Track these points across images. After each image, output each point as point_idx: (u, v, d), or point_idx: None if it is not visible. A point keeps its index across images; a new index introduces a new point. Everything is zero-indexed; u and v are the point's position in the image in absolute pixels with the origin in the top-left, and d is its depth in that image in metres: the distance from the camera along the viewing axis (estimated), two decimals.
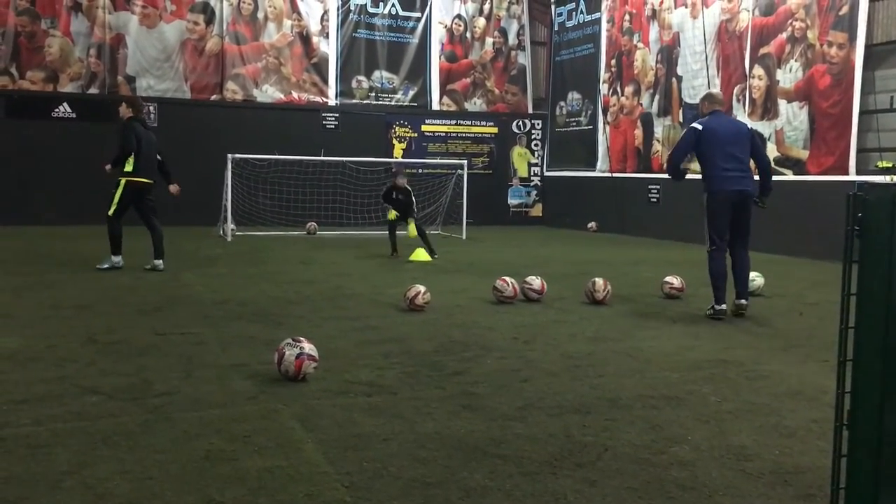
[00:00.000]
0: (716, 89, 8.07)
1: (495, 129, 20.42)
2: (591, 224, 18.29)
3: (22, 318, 6.61)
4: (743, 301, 7.36)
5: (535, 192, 20.89)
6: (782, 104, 13.82)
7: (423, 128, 19.73)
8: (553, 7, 20.56)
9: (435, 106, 19.91)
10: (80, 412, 4.11)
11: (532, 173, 20.88)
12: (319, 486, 3.23)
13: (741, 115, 14.61)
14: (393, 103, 19.55)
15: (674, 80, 16.41)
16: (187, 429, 3.87)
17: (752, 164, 7.45)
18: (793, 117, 13.63)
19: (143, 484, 3.20)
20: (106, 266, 9.88)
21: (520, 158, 20.78)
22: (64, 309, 7.09)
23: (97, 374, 4.88)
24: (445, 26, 19.98)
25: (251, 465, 3.42)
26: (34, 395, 4.38)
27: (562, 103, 20.28)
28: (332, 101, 18.92)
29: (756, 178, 7.51)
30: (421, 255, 11.76)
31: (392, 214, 12.34)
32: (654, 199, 16.79)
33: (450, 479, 3.32)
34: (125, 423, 3.96)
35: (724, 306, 7.24)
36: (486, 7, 20.35)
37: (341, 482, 3.26)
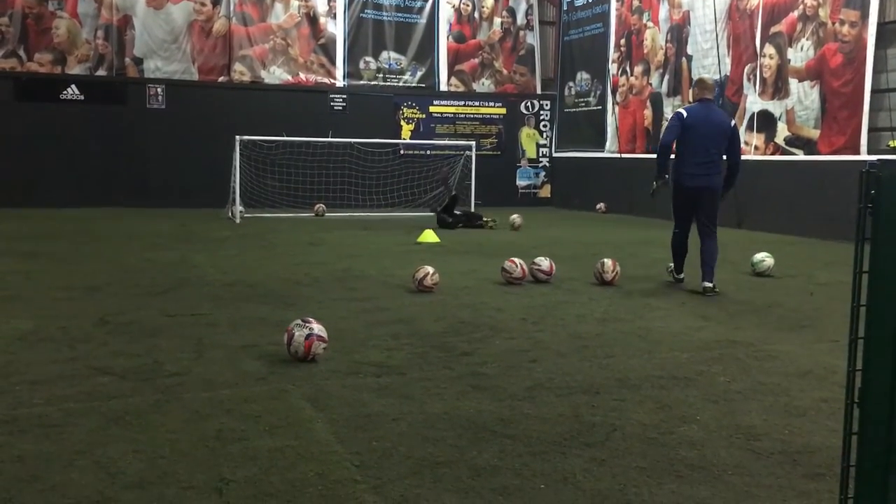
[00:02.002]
0: (708, 75, 8.24)
1: (503, 110, 20.33)
2: (600, 205, 18.24)
3: (33, 300, 6.65)
4: (707, 283, 7.47)
5: (543, 174, 20.82)
6: (793, 83, 13.70)
7: (431, 109, 19.66)
8: None
9: (443, 87, 19.82)
10: (92, 392, 4.14)
11: (540, 154, 20.80)
12: (329, 465, 3.25)
13: (752, 94, 14.52)
14: (401, 84, 19.47)
15: (684, 59, 16.28)
16: (198, 409, 3.90)
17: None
18: (804, 96, 13.52)
19: (155, 463, 3.23)
20: None
21: (528, 139, 20.70)
22: (75, 290, 7.13)
23: (109, 354, 4.91)
24: (453, 6, 19.83)
25: (262, 445, 3.44)
26: (47, 376, 4.41)
27: (570, 84, 20.16)
28: (339, 83, 18.86)
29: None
30: (429, 236, 11.75)
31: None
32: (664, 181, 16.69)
33: (459, 458, 3.34)
34: (137, 403, 3.99)
35: (681, 276, 7.96)
36: None
37: (351, 461, 3.28)
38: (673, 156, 7.76)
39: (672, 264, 8.09)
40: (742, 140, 14.69)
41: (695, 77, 15.89)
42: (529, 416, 3.88)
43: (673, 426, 3.78)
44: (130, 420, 3.73)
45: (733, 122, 7.85)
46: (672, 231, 7.98)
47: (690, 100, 15.91)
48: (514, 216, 14.20)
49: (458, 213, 14.25)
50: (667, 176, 7.80)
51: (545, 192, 20.87)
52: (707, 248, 7.58)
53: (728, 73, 15.08)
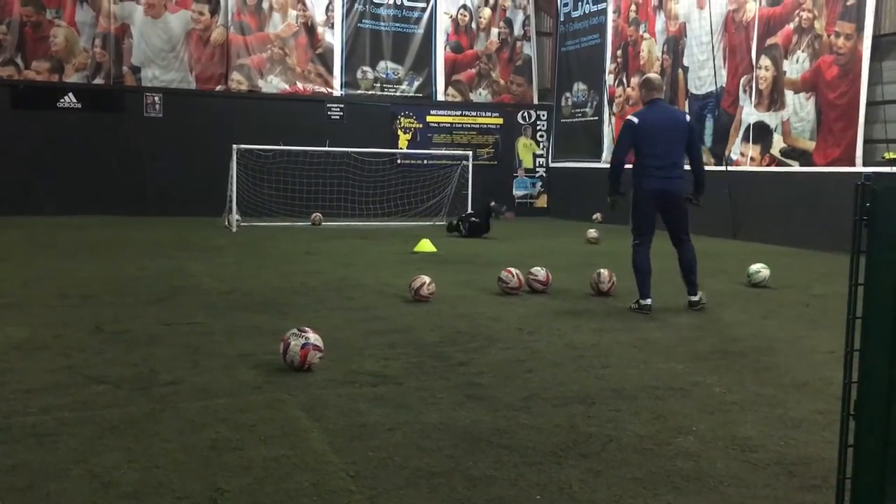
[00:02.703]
0: (654, 74, 7.64)
1: (500, 120, 20.38)
2: (597, 215, 18.26)
3: (29, 308, 6.63)
4: (693, 298, 7.15)
5: (540, 183, 20.86)
6: (789, 95, 13.75)
7: (428, 118, 19.69)
8: None
9: (440, 97, 19.87)
10: (87, 401, 4.12)
11: (537, 164, 20.84)
12: (325, 475, 3.24)
13: (748, 105, 14.57)
14: (398, 94, 19.51)
15: (680, 70, 16.34)
16: (193, 418, 3.89)
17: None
18: (799, 108, 13.57)
19: (150, 473, 3.22)
20: None
21: (525, 149, 20.74)
22: (70, 299, 7.12)
23: (104, 363, 4.90)
24: (451, 16, 19.91)
25: (257, 455, 3.43)
26: (41, 385, 4.39)
27: (567, 94, 20.21)
28: (337, 92, 18.89)
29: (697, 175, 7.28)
30: (426, 245, 11.76)
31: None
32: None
33: (455, 468, 3.33)
34: (132, 412, 3.97)
35: (648, 301, 7.00)
36: None
37: (346, 471, 3.27)
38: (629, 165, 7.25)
39: (638, 299, 7.07)
40: (738, 151, 14.79)
41: (691, 89, 15.98)
42: (525, 427, 3.87)
43: (669, 437, 3.78)
44: (125, 429, 3.71)
45: (689, 118, 7.48)
46: (632, 245, 7.25)
47: (687, 109, 16.12)
48: (592, 231, 13.86)
49: (475, 220, 14.27)
50: (622, 191, 7.30)
51: (542, 202, 20.89)
52: (686, 259, 7.22)
53: (724, 85, 15.13)
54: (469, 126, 20.09)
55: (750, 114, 14.55)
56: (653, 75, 7.56)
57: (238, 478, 3.18)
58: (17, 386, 4.36)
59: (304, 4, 18.46)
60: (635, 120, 7.11)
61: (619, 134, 7.30)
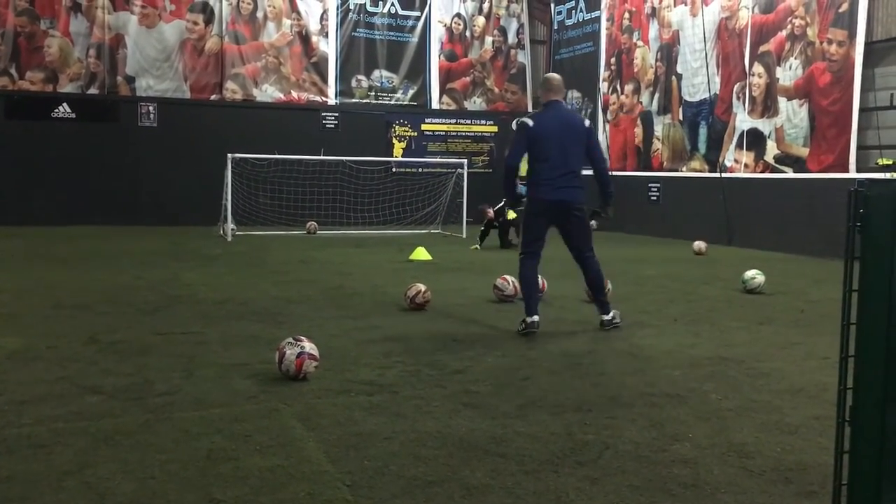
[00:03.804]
0: (554, 74, 6.35)
1: (495, 128, 20.41)
2: (592, 222, 18.28)
3: (23, 318, 6.61)
4: (605, 317, 6.49)
5: None
6: (782, 102, 13.81)
7: (423, 127, 19.72)
8: (552, 5, 20.55)
9: (435, 105, 19.90)
10: (82, 412, 4.11)
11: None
12: (321, 485, 3.23)
13: (741, 112, 14.62)
14: (393, 102, 19.54)
15: (674, 78, 16.40)
16: (189, 428, 3.87)
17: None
18: (793, 115, 13.63)
19: (145, 483, 3.20)
20: None
21: None
22: (64, 309, 7.09)
23: (98, 373, 4.88)
24: (445, 25, 19.96)
25: (252, 465, 3.41)
26: (35, 395, 4.38)
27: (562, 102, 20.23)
28: (331, 101, 18.91)
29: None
30: (421, 253, 11.76)
31: (511, 214, 13.08)
32: (654, 198, 16.79)
33: (451, 477, 3.32)
34: (127, 422, 3.96)
35: (535, 318, 6.30)
36: (486, 6, 20.34)
37: (342, 481, 3.26)
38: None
39: (524, 317, 6.33)
40: (732, 158, 14.83)
41: (685, 96, 16.04)
42: (522, 435, 3.86)
43: (665, 444, 3.77)
44: (120, 440, 3.70)
45: (588, 122, 6.85)
46: (518, 258, 6.66)
47: (681, 118, 16.18)
48: (700, 243, 13.27)
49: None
50: (523, 199, 6.68)
51: None
52: (592, 277, 6.59)
53: (717, 92, 15.19)
54: (464, 134, 20.12)
55: (744, 121, 14.60)
56: (553, 75, 6.83)
57: (233, 488, 3.17)
58: (11, 396, 4.34)
59: (298, 14, 18.50)
60: (529, 122, 6.40)
61: (514, 135, 6.55)
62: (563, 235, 6.60)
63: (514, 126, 6.80)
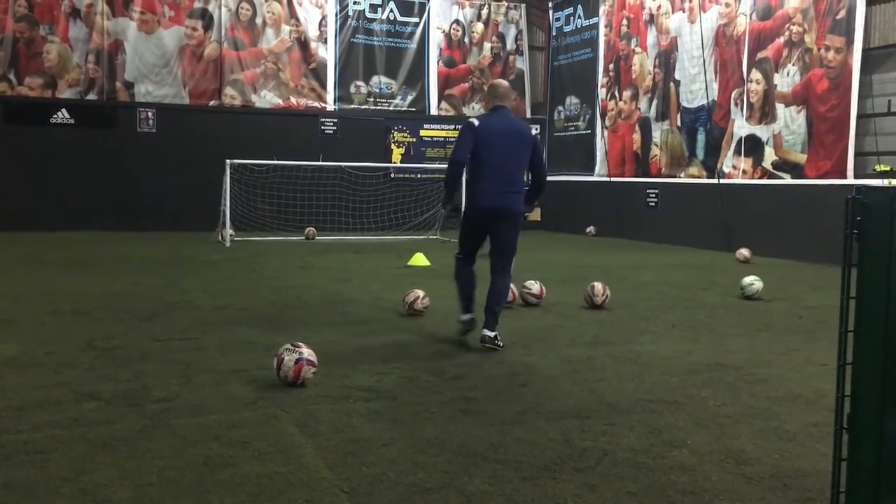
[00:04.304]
0: (501, 81, 6.19)
1: None
2: (590, 228, 18.30)
3: (20, 324, 6.60)
4: (488, 332, 5.96)
5: None
6: (780, 108, 13.84)
7: (422, 132, 19.73)
8: (551, 12, 20.60)
9: (433, 111, 19.93)
10: (79, 418, 4.10)
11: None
12: (319, 491, 3.22)
13: (739, 119, 14.65)
14: (391, 108, 19.56)
15: (671, 84, 16.44)
16: (186, 435, 3.87)
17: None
18: (790, 121, 13.65)
19: (142, 490, 3.19)
20: None
21: None
22: (62, 315, 7.08)
23: (96, 379, 4.87)
24: (443, 31, 20.00)
25: (250, 471, 3.41)
26: (33, 401, 4.37)
27: (560, 108, 20.30)
28: (330, 107, 18.93)
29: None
30: (420, 259, 11.75)
31: None
32: (653, 204, 16.80)
33: (449, 484, 3.32)
34: (124, 429, 3.95)
35: (468, 316, 6.24)
36: (485, 12, 20.38)
37: (341, 488, 3.26)
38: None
39: (460, 316, 6.34)
40: (730, 164, 14.85)
41: (683, 103, 16.08)
42: (520, 441, 3.86)
43: (664, 451, 3.77)
44: (117, 446, 3.69)
45: (534, 132, 6.71)
46: (455, 258, 6.52)
47: (679, 124, 16.21)
48: (744, 250, 13.06)
49: None
50: (460, 205, 6.53)
51: (535, 215, 20.89)
52: (496, 289, 6.11)
53: (715, 98, 15.22)
54: None
55: (741, 127, 14.63)
56: (500, 81, 6.73)
57: (231, 495, 3.16)
58: (8, 403, 4.33)
59: (297, 20, 18.53)
60: (475, 122, 6.24)
61: (460, 133, 6.33)
62: (491, 237, 6.27)
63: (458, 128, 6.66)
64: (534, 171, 6.46)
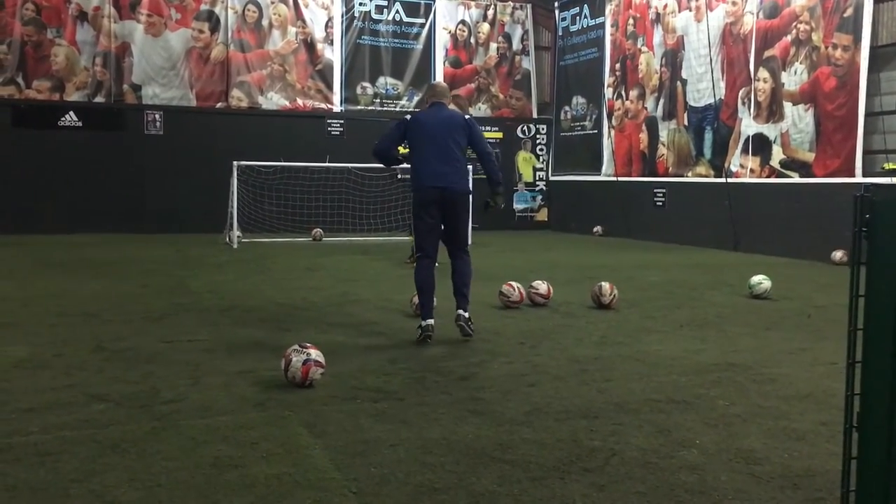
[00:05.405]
0: (440, 81, 6.62)
1: (500, 134, 20.42)
2: (597, 228, 18.27)
3: (29, 327, 6.63)
4: (461, 312, 6.21)
5: (540, 197, 20.88)
6: (787, 107, 13.79)
7: None
8: (557, 12, 20.58)
9: None
10: (88, 420, 4.11)
11: (537, 178, 20.88)
12: (327, 492, 3.22)
13: (746, 117, 14.61)
14: (398, 109, 19.56)
15: (678, 83, 16.40)
16: (195, 436, 3.88)
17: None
18: (798, 120, 13.60)
19: (152, 491, 3.20)
20: None
21: (525, 163, 20.78)
22: (71, 317, 7.11)
23: (105, 381, 4.89)
24: (449, 32, 20.00)
25: (259, 472, 3.41)
26: (42, 403, 4.38)
27: (566, 108, 20.27)
28: (336, 108, 18.95)
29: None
30: None
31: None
32: (660, 203, 16.77)
33: (457, 484, 3.32)
34: (133, 430, 3.96)
35: (429, 321, 6.19)
36: (490, 12, 20.37)
37: (349, 488, 3.26)
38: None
39: (420, 322, 6.28)
40: (737, 163, 14.80)
41: (689, 102, 16.04)
42: (528, 441, 3.86)
43: (672, 450, 3.76)
44: (126, 448, 3.70)
45: (468, 116, 6.90)
46: (416, 259, 6.61)
47: (686, 123, 16.17)
48: (839, 253, 12.04)
49: None
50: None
51: (542, 215, 20.91)
52: (460, 272, 6.40)
53: (723, 97, 15.18)
54: None
55: (749, 126, 14.59)
56: (439, 81, 6.88)
57: (240, 496, 3.17)
58: (17, 405, 4.35)
59: (303, 21, 18.56)
60: (408, 117, 6.62)
61: (389, 128, 6.75)
62: (444, 222, 6.42)
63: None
64: (477, 154, 6.66)
